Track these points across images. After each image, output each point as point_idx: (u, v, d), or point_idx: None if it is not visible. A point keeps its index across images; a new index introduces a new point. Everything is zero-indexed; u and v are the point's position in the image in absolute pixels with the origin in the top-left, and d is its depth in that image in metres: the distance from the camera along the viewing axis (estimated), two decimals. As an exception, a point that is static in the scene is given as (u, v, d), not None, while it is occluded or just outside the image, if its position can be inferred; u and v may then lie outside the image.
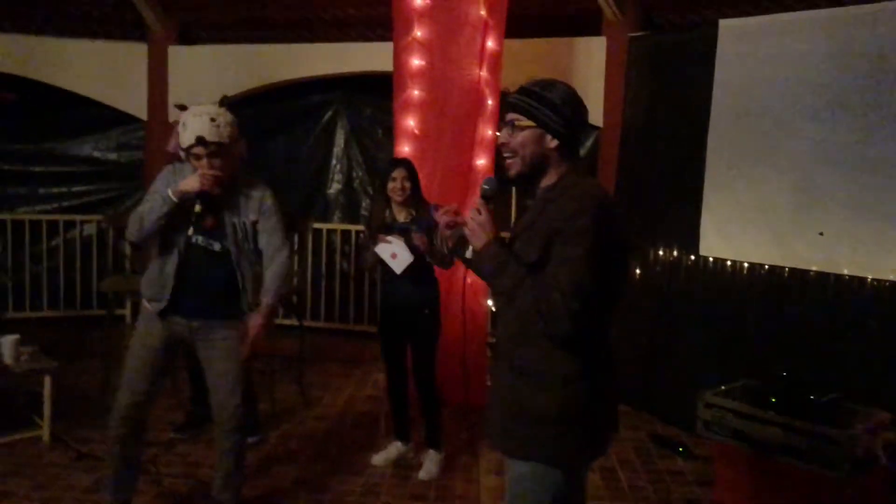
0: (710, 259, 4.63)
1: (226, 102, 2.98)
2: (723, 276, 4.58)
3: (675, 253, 4.87)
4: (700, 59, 4.70)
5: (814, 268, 4.23)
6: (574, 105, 2.00)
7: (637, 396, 4.88)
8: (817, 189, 4.21)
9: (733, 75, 4.54)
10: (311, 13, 6.10)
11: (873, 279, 4.04)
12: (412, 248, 3.54)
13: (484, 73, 4.59)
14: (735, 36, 4.55)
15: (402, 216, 3.67)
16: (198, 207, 2.87)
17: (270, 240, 3.03)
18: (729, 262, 4.58)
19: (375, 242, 3.60)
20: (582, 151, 6.04)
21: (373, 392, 5.07)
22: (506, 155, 2.01)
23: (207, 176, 2.81)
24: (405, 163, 3.70)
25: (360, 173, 6.37)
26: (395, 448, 3.94)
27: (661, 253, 4.95)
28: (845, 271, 4.14)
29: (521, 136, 1.97)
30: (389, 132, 6.25)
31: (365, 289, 6.39)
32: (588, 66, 5.48)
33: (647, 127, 5.10)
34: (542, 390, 1.94)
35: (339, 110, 6.39)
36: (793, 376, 3.59)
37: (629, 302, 5.12)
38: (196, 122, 2.80)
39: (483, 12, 4.51)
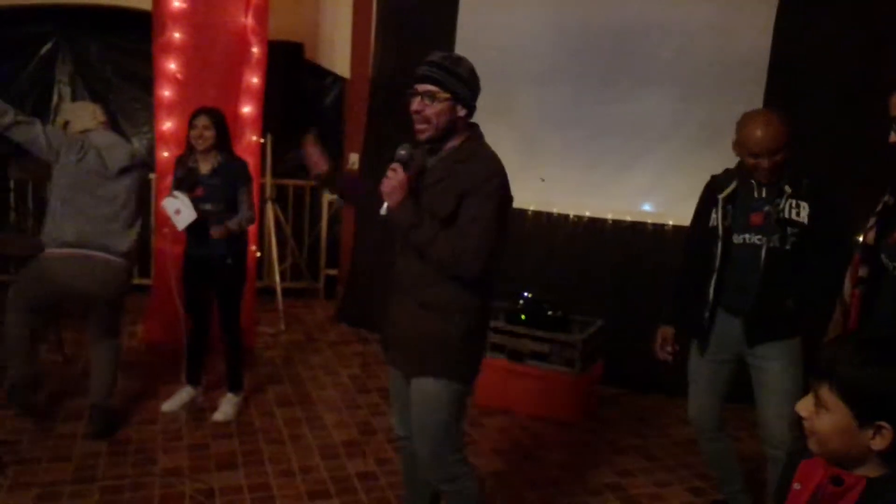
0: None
1: None
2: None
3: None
4: (442, 24, 5.26)
5: (532, 207, 5.15)
6: (476, 78, 2.22)
7: (371, 320, 5.37)
8: (539, 142, 5.09)
9: (472, 41, 5.16)
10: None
11: (575, 215, 5.08)
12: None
13: (250, 21, 4.62)
14: (473, 5, 5.18)
15: (206, 165, 3.66)
16: None
17: None
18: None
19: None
20: (327, 101, 6.33)
21: (130, 343, 4.92)
22: (418, 122, 2.20)
23: None
24: (209, 111, 3.66)
25: (89, 115, 5.87)
26: (185, 393, 3.98)
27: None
28: (555, 210, 5.12)
29: (438, 107, 2.16)
30: (120, 72, 5.90)
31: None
32: (335, 19, 5.74)
33: (395, 83, 5.54)
34: (447, 320, 2.24)
35: (60, 45, 5.79)
36: (535, 297, 4.40)
37: (369, 235, 5.62)
38: None
39: (247, -41, 4.53)
